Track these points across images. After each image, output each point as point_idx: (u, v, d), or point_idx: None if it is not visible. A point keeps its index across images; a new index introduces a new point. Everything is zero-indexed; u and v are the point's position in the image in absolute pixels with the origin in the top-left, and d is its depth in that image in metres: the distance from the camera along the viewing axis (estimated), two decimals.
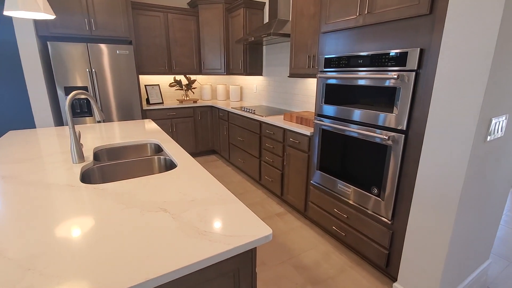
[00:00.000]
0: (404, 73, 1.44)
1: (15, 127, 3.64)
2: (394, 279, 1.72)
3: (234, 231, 0.81)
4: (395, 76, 1.45)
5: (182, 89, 4.14)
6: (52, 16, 1.60)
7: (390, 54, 1.49)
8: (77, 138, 1.39)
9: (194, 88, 4.22)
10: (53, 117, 3.17)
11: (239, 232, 0.80)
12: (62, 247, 0.73)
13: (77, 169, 1.30)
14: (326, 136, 1.98)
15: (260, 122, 2.86)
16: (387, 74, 1.50)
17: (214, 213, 0.91)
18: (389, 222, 1.63)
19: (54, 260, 0.68)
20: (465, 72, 1.18)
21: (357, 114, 1.72)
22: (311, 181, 2.21)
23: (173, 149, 1.62)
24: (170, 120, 3.85)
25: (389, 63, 1.50)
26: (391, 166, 1.57)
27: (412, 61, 1.40)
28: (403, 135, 1.48)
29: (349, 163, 1.83)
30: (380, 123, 1.60)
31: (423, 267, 1.45)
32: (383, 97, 1.56)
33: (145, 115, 3.68)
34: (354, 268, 1.87)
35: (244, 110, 3.23)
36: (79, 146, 1.40)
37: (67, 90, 3.10)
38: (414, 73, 1.41)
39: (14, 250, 0.71)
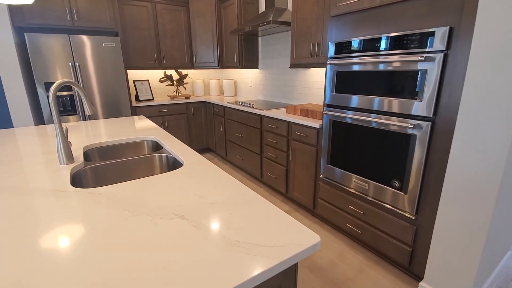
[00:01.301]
0: (431, 54, 1.32)
1: None
2: (418, 277, 1.61)
3: (274, 239, 0.65)
4: (421, 59, 1.32)
5: (173, 85, 3.91)
6: (29, 1, 1.38)
7: (414, 35, 1.37)
8: (64, 135, 1.19)
9: (186, 83, 4.00)
10: (33, 116, 2.89)
11: (280, 241, 0.65)
12: (54, 270, 0.55)
13: (66, 171, 1.11)
14: (338, 127, 1.85)
15: (261, 116, 2.70)
16: (411, 56, 1.37)
17: (242, 218, 0.75)
18: (413, 217, 1.51)
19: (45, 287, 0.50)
20: (505, 51, 1.07)
21: (375, 102, 1.59)
22: (321, 176, 2.08)
23: (175, 146, 1.44)
24: (162, 117, 3.62)
25: (413, 45, 1.38)
26: (415, 157, 1.45)
27: (440, 41, 1.28)
28: (430, 122, 1.37)
29: (366, 155, 1.71)
30: (402, 111, 1.47)
31: (454, 264, 1.34)
32: (405, 83, 1.44)
33: (135, 112, 3.45)
34: (372, 268, 1.75)
35: (242, 105, 3.06)
36: (67, 145, 1.19)
37: (48, 86, 2.83)
38: (442, 54, 1.29)
39: None
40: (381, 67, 1.53)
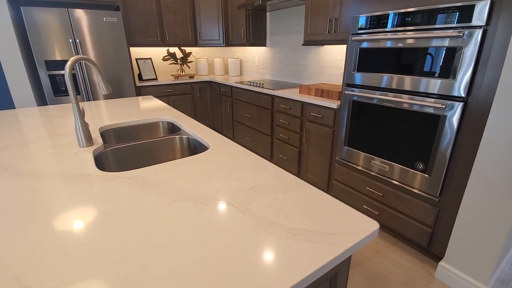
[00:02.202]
0: (469, 30, 1.24)
1: None
2: (436, 257, 1.63)
3: (330, 227, 0.62)
4: (459, 34, 1.24)
5: (177, 63, 3.77)
6: None
7: (450, 8, 1.28)
8: (82, 116, 1.12)
9: (190, 62, 3.86)
10: (35, 97, 2.79)
11: (337, 228, 0.61)
12: (109, 263, 0.51)
13: (88, 154, 1.05)
14: (358, 108, 1.79)
15: (273, 97, 2.62)
16: (446, 32, 1.29)
17: (289, 203, 0.71)
18: (436, 199, 1.50)
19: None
20: None
21: (402, 81, 1.52)
22: (336, 158, 2.05)
23: (195, 127, 1.38)
24: (167, 97, 3.52)
25: (449, 19, 1.29)
26: (443, 138, 1.41)
27: (479, 16, 1.20)
28: (462, 103, 1.31)
29: (388, 137, 1.66)
30: (432, 91, 1.41)
31: (477, 246, 1.34)
32: (437, 60, 1.36)
33: (139, 92, 3.34)
34: (390, 248, 1.76)
35: (251, 85, 2.96)
36: (85, 126, 1.13)
37: (49, 65, 2.70)
38: (481, 30, 1.21)
39: (34, 276, 0.49)
40: (411, 43, 1.44)
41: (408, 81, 1.50)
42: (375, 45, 1.61)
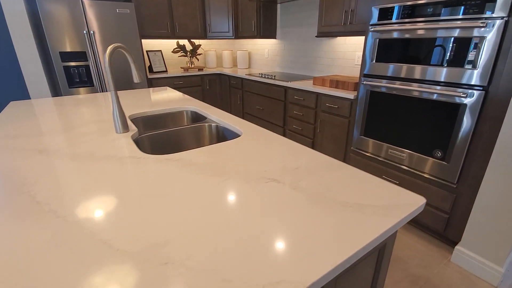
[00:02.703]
0: (491, 21, 1.27)
1: (6, 101, 3.23)
2: (451, 242, 1.69)
3: (380, 200, 0.66)
4: (482, 24, 1.28)
5: (186, 56, 3.78)
6: None
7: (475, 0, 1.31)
8: (119, 103, 1.16)
9: (199, 54, 3.88)
10: (50, 88, 2.81)
11: (387, 202, 0.66)
12: (188, 234, 0.56)
13: (127, 139, 1.09)
14: (376, 98, 1.83)
15: (286, 88, 2.66)
16: (469, 22, 1.32)
17: (336, 181, 0.75)
18: (454, 186, 1.55)
19: (189, 250, 0.51)
20: None
21: (423, 71, 1.56)
22: (352, 148, 2.09)
23: (222, 115, 1.42)
24: (177, 89, 3.54)
25: (472, 10, 1.32)
26: (463, 126, 1.45)
27: (502, 7, 1.23)
28: (483, 91, 1.35)
29: (406, 126, 1.71)
30: (453, 80, 1.45)
31: (494, 229, 1.40)
32: (459, 50, 1.40)
33: (150, 84, 3.36)
34: (405, 234, 1.82)
35: (262, 77, 2.99)
36: (123, 113, 1.17)
37: (63, 56, 2.72)
38: (503, 20, 1.24)
39: (125, 240, 0.53)
40: (432, 34, 1.48)
41: (428, 71, 1.54)
42: (396, 35, 1.64)
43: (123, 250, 0.50)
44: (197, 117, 1.63)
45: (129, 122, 1.33)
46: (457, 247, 1.57)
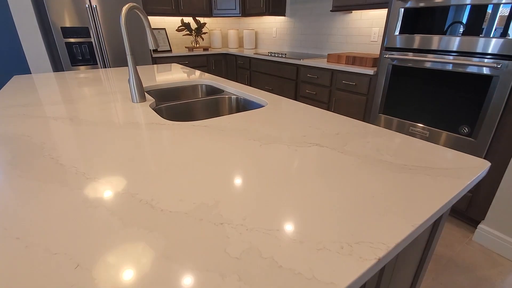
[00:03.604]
0: None
1: (8, 76, 3.12)
2: (473, 222, 1.65)
3: (443, 162, 0.60)
4: None
5: (191, 34, 3.64)
6: None
7: None
8: (137, 70, 1.08)
9: (204, 33, 3.73)
10: (52, 66, 2.71)
11: (451, 164, 0.60)
12: (239, 195, 0.49)
13: (146, 108, 1.02)
14: (398, 73, 1.74)
15: (298, 66, 2.56)
16: None
17: (385, 145, 0.69)
18: None
19: (244, 212, 0.45)
20: None
21: (452, 42, 1.47)
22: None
23: (241, 88, 1.34)
24: (191, 68, 3.42)
25: None
26: (494, 100, 1.38)
27: None
28: None
29: (430, 102, 1.63)
30: (485, 50, 1.36)
31: None
32: (492, 18, 1.30)
33: (155, 63, 3.24)
34: None
35: (272, 55, 2.88)
36: (140, 80, 1.09)
37: (65, 32, 2.59)
38: None
39: (169, 201, 0.47)
40: (464, 1, 1.38)
41: (458, 42, 1.45)
42: (423, 4, 1.54)
43: (168, 210, 0.44)
44: (212, 91, 1.55)
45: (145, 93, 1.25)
46: (480, 225, 1.53)
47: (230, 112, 1.32)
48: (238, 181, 0.53)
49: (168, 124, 0.84)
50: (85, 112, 0.96)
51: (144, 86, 1.41)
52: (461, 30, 1.43)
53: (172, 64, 2.27)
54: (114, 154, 0.64)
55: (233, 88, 1.34)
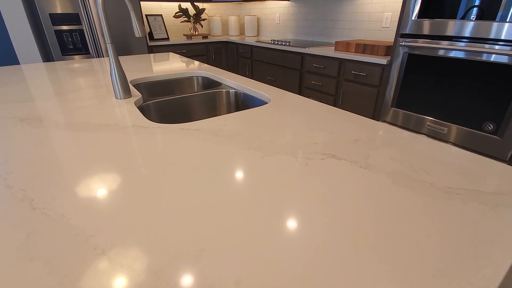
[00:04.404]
0: None
1: None
2: None
3: (495, 183, 0.47)
4: None
5: (189, 21, 3.45)
6: None
7: None
8: (119, 62, 0.93)
9: (204, 19, 3.53)
10: (41, 55, 2.55)
11: (506, 187, 0.46)
12: (231, 243, 0.36)
13: (130, 106, 0.88)
14: (414, 62, 1.58)
15: (303, 55, 2.38)
16: None
17: (418, 157, 0.55)
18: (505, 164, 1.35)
19: (238, 272, 0.32)
20: None
21: (479, 27, 1.30)
22: (380, 122, 1.87)
23: (241, 81, 1.20)
24: (188, 58, 3.25)
25: None
26: None
27: None
28: None
29: (450, 95, 1.48)
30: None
31: None
32: None
33: (151, 52, 3.07)
34: None
35: (275, 43, 2.70)
36: (123, 74, 0.95)
37: (54, 19, 2.43)
38: None
39: (134, 251, 0.34)
40: None
41: (486, 27, 1.27)
42: None
43: (130, 267, 0.31)
44: (209, 84, 1.40)
45: (131, 88, 1.11)
46: None
47: (229, 109, 1.18)
48: (233, 217, 0.40)
49: (150, 128, 0.70)
50: (59, 112, 0.83)
51: (133, 78, 1.27)
52: (490, 14, 1.25)
53: (168, 53, 2.11)
54: (75, 171, 0.51)
55: (232, 81, 1.19)
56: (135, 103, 0.93)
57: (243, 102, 1.14)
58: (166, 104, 1.04)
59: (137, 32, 1.00)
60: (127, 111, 0.84)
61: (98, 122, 0.74)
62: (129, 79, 1.26)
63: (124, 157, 0.56)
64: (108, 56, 2.67)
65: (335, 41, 2.20)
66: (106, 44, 0.90)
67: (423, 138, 0.64)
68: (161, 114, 1.03)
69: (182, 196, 0.44)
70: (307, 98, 0.94)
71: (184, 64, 1.60)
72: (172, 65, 1.57)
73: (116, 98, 0.96)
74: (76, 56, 2.62)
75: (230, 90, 1.15)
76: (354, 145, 0.61)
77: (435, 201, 0.42)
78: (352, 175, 0.49)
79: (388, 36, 2.24)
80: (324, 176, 0.49)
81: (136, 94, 1.01)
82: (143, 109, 0.97)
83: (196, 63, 1.64)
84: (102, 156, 0.56)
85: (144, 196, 0.44)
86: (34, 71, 1.45)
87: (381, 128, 0.70)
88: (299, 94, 2.56)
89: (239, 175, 0.49)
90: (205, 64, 1.58)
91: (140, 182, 0.47)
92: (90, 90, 1.06)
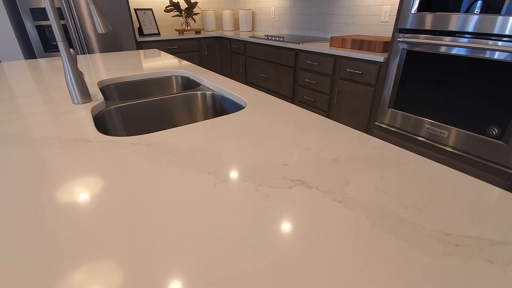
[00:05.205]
0: None
1: None
2: None
3: (493, 229, 0.36)
4: None
5: (181, 16, 3.31)
6: None
7: None
8: (74, 60, 0.82)
9: (196, 14, 3.40)
10: (23, 53, 2.44)
11: (502, 233, 0.35)
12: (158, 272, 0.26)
13: (85, 113, 0.77)
14: (414, 60, 1.46)
15: (297, 51, 2.26)
16: None
17: (408, 185, 0.44)
18: (511, 171, 1.24)
19: None
20: None
21: (484, 22, 1.18)
22: (376, 123, 1.76)
23: (221, 81, 1.08)
24: (171, 55, 3.13)
25: None
26: None
27: None
28: None
29: (451, 96, 1.36)
30: None
31: None
32: None
33: (140, 48, 2.95)
34: None
35: (268, 39, 2.57)
36: (79, 76, 0.84)
37: (35, 13, 2.31)
38: None
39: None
40: None
41: (493, 22, 1.15)
42: None
43: None
44: (189, 85, 1.29)
45: (96, 90, 0.99)
46: None
47: (205, 113, 1.07)
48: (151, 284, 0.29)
49: (95, 142, 0.59)
50: (2, 120, 0.72)
51: (104, 79, 1.15)
52: (497, 7, 1.13)
53: (153, 49, 1.99)
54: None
55: (210, 82, 1.08)
56: (93, 109, 0.82)
57: (220, 105, 1.03)
58: (132, 109, 0.93)
59: (100, 28, 0.89)
60: (78, 119, 0.73)
61: (37, 134, 0.64)
62: (99, 79, 1.15)
63: (36, 184, 0.45)
64: (91, 52, 2.56)
65: (330, 37, 2.07)
66: (57, 42, 0.79)
67: (417, 157, 0.53)
68: (126, 121, 0.92)
69: (88, 247, 0.33)
70: (288, 103, 0.83)
71: (165, 62, 1.48)
72: (152, 63, 1.45)
73: (73, 103, 0.86)
74: (59, 53, 2.50)
75: (207, 92, 1.04)
76: (332, 167, 0.50)
77: (426, 256, 0.32)
78: (322, 214, 0.39)
79: (387, 31, 2.11)
80: (284, 215, 0.38)
81: (98, 98, 0.90)
82: (103, 117, 0.86)
83: (177, 60, 1.53)
84: (11, 179, 0.45)
85: (56, 252, 0.33)
86: (3, 71, 1.34)
87: (368, 143, 0.58)
88: (293, 92, 2.44)
89: (181, 214, 0.39)
90: (188, 63, 1.47)
91: (56, 236, 0.37)
92: (49, 93, 0.95)
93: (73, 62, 0.82)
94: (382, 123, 1.73)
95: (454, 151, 1.41)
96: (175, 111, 1.02)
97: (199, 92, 1.03)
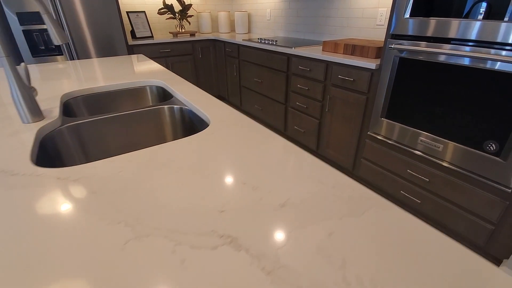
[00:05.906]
0: None
1: None
2: (492, 258, 1.32)
3: None
4: None
5: (175, 18, 3.25)
6: None
7: None
8: (20, 76, 0.75)
9: (191, 16, 3.33)
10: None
11: None
12: None
13: (27, 135, 0.71)
14: (408, 68, 1.36)
15: (288, 56, 2.17)
16: None
17: (362, 246, 0.36)
18: (508, 190, 1.14)
19: None
20: None
21: (484, 29, 1.08)
22: (369, 133, 1.67)
23: (191, 94, 1.01)
24: (164, 59, 3.07)
25: None
26: None
27: None
28: None
29: (446, 107, 1.26)
30: None
31: None
32: None
33: (132, 52, 2.90)
34: None
35: (261, 42, 2.48)
36: (29, 92, 0.77)
37: (22, 18, 2.26)
38: None
39: None
40: None
41: (492, 29, 1.06)
42: None
43: None
44: (165, 96, 1.22)
45: (55, 105, 0.93)
46: (500, 267, 1.20)
47: (174, 130, 0.99)
48: None
49: (20, 176, 0.52)
50: None
51: (71, 91, 1.09)
52: (497, 13, 1.03)
53: (137, 55, 1.92)
54: None
55: (181, 96, 1.00)
56: (41, 129, 0.75)
57: (190, 121, 0.95)
58: (91, 127, 0.86)
59: (55, 39, 0.82)
60: (17, 143, 0.66)
61: None
62: (65, 90, 1.09)
63: None
64: (81, 57, 2.50)
65: (323, 41, 1.98)
66: (0, 57, 0.72)
67: (381, 202, 0.45)
68: (84, 141, 0.85)
69: None
70: (256, 123, 0.75)
71: (143, 70, 1.41)
72: (130, 71, 1.39)
73: (23, 122, 0.79)
74: (48, 58, 2.46)
75: (175, 106, 0.97)
76: (275, 216, 0.42)
77: None
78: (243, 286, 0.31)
79: (383, 35, 2.01)
80: (193, 282, 0.30)
81: (53, 116, 0.83)
82: (55, 137, 0.79)
83: (158, 68, 1.45)
84: None
85: None
86: None
87: (327, 181, 0.50)
88: (286, 98, 2.35)
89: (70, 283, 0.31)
90: (166, 70, 1.39)
91: None
92: (6, 109, 0.89)
93: (21, 80, 0.75)
94: (374, 133, 1.64)
95: (450, 166, 1.31)
96: (141, 128, 0.95)
97: (166, 106, 0.96)
